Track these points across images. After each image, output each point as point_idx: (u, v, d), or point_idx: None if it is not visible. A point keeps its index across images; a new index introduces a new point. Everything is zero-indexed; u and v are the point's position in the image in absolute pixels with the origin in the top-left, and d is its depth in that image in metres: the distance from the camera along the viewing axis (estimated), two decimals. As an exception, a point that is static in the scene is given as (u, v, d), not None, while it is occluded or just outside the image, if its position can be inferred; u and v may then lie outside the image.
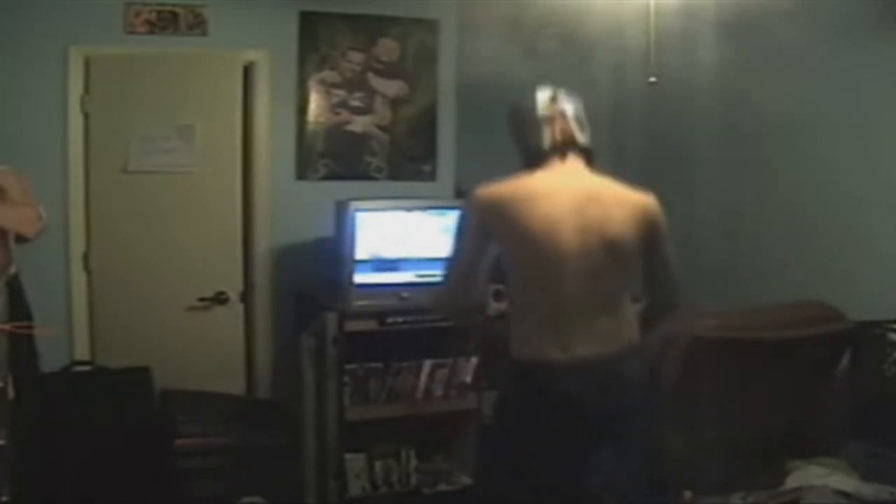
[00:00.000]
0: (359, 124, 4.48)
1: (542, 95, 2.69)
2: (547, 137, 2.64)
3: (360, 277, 3.97)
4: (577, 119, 2.69)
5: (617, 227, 2.56)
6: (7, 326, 3.22)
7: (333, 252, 4.04)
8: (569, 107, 2.68)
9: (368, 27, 4.46)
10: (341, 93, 4.43)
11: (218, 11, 4.17)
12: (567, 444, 2.53)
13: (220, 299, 4.15)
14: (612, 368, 2.56)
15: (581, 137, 2.67)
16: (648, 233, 2.62)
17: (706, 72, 4.83)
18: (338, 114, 4.44)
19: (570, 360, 2.53)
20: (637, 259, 2.64)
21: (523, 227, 2.55)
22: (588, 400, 2.52)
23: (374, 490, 4.13)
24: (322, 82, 4.40)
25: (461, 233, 2.68)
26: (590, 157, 2.68)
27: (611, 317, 2.59)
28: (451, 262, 2.70)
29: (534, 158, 2.66)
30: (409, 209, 4.10)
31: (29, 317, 3.52)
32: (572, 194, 2.57)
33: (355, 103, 4.46)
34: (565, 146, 2.64)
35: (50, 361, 3.75)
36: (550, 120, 2.65)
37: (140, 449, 3.72)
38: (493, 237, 2.61)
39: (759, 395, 3.59)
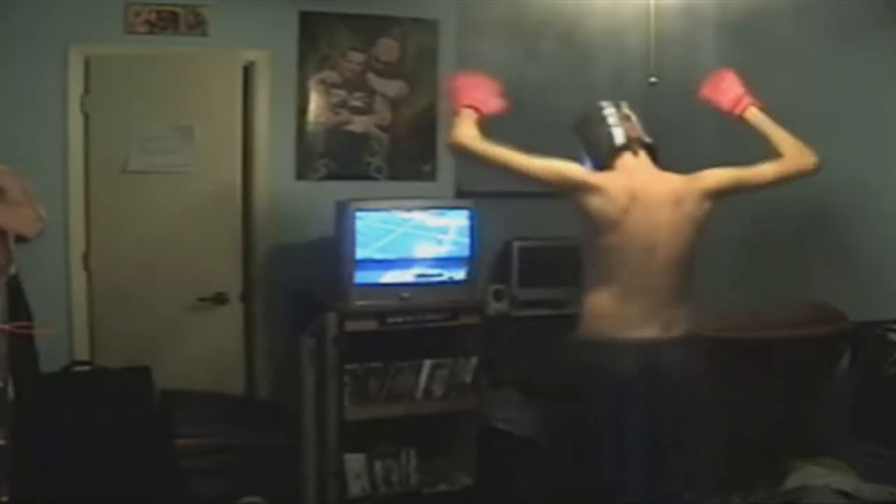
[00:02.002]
0: (359, 124, 4.48)
1: (608, 104, 3.11)
2: (620, 135, 3.02)
3: (360, 277, 3.97)
4: (639, 122, 3.10)
5: (691, 215, 2.93)
6: (7, 326, 3.22)
7: (333, 252, 4.04)
8: (631, 112, 3.11)
9: (368, 27, 4.46)
10: (341, 93, 4.43)
11: (218, 11, 4.17)
12: (628, 420, 2.82)
13: (220, 299, 4.15)
14: (675, 351, 2.86)
15: (645, 136, 3.07)
16: (721, 189, 3.03)
17: (706, 72, 4.83)
18: (338, 114, 4.44)
19: (638, 340, 2.82)
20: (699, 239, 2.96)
21: (618, 214, 2.86)
22: (651, 377, 2.82)
23: (374, 490, 4.13)
24: (322, 82, 4.40)
25: (552, 160, 2.97)
26: (655, 155, 3.06)
27: (683, 301, 2.93)
28: (522, 158, 3.02)
29: (609, 155, 3.01)
30: (409, 209, 4.10)
31: (29, 317, 3.52)
32: (654, 189, 2.93)
33: (355, 103, 4.46)
34: (637, 143, 3.03)
35: (50, 361, 3.75)
36: (620, 122, 3.06)
37: (140, 449, 3.71)
38: (585, 211, 2.91)
39: (759, 395, 3.60)
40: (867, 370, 3.79)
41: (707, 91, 3.25)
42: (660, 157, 3.12)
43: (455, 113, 3.09)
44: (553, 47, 4.77)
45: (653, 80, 4.25)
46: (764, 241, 4.51)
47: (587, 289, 2.99)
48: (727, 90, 3.22)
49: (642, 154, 3.03)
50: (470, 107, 3.08)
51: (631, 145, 3.02)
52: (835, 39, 4.18)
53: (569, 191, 2.94)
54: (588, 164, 3.08)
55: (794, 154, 3.09)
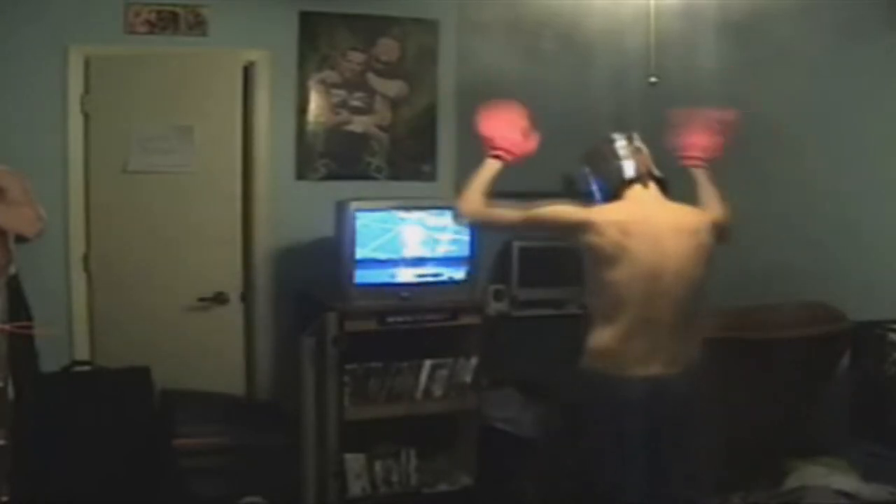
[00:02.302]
0: (359, 124, 4.48)
1: (619, 137, 3.08)
2: (631, 168, 2.99)
3: (360, 277, 3.97)
4: (648, 156, 3.06)
5: (701, 251, 2.89)
6: (7, 326, 3.22)
7: (333, 252, 4.04)
8: (642, 145, 3.07)
9: (368, 27, 4.46)
10: (341, 93, 4.43)
11: (218, 11, 4.17)
12: (629, 451, 2.79)
13: (220, 299, 4.15)
14: (679, 385, 2.82)
15: (655, 170, 3.04)
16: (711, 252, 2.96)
17: (706, 72, 4.83)
18: (338, 114, 4.44)
19: (644, 376, 2.78)
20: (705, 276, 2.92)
21: (626, 254, 2.80)
22: (655, 412, 2.78)
23: (374, 490, 4.13)
24: (322, 82, 4.40)
25: (556, 210, 2.92)
26: (665, 188, 3.03)
27: (688, 335, 2.87)
28: (526, 212, 2.95)
29: (619, 187, 2.98)
30: (409, 209, 4.10)
31: (29, 317, 3.52)
32: (663, 222, 2.89)
33: (355, 103, 4.46)
34: (647, 176, 3.00)
35: (50, 361, 3.75)
36: (632, 154, 3.02)
37: (140, 449, 3.72)
38: (587, 247, 2.86)
39: (760, 395, 3.60)
40: (867, 370, 3.80)
41: (682, 134, 3.20)
42: (657, 157, 3.10)
43: (487, 156, 3.06)
44: (553, 47, 4.77)
45: (653, 80, 4.24)
46: (764, 240, 4.51)
47: (591, 322, 2.91)
48: (696, 142, 3.20)
49: (652, 186, 3.00)
50: (500, 153, 3.03)
51: (641, 178, 2.99)
52: (835, 39, 4.18)
53: (567, 232, 2.91)
54: (596, 192, 3.06)
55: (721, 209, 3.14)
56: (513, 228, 3.05)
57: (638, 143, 3.07)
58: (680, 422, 2.82)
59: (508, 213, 2.97)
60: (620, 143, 3.05)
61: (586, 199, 3.07)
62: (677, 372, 2.81)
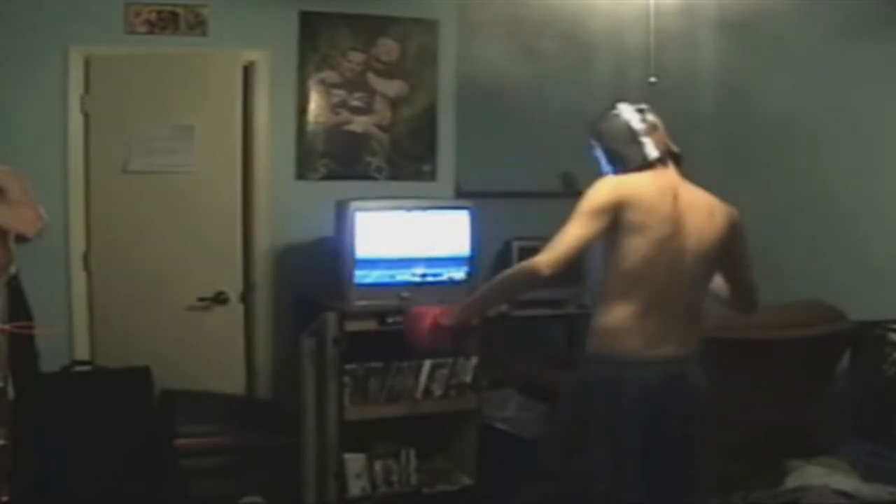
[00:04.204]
0: (359, 124, 4.48)
1: (630, 110, 2.86)
2: (652, 149, 2.80)
3: (360, 277, 3.97)
4: (664, 129, 2.88)
5: (717, 234, 2.76)
6: (7, 326, 3.22)
7: (333, 252, 4.04)
8: (656, 119, 2.88)
9: (368, 27, 4.46)
10: (341, 93, 4.43)
11: (218, 11, 4.17)
12: (635, 434, 2.68)
13: (220, 299, 4.15)
14: (687, 368, 2.74)
15: (674, 146, 2.87)
16: (735, 241, 2.82)
17: (706, 72, 4.84)
18: (338, 114, 4.44)
19: (656, 357, 2.67)
20: (717, 265, 2.81)
21: (649, 226, 2.67)
22: (662, 395, 2.68)
23: (374, 490, 4.13)
24: (322, 82, 4.40)
25: (589, 212, 2.70)
26: (680, 163, 2.87)
27: (697, 319, 2.78)
28: (573, 238, 2.68)
29: (639, 169, 2.79)
30: (409, 209, 4.10)
31: (29, 317, 3.52)
32: (684, 200, 2.75)
33: (355, 103, 4.46)
34: (667, 154, 2.83)
35: (50, 361, 3.75)
36: (649, 132, 2.82)
37: (140, 449, 3.72)
38: (616, 222, 2.68)
39: (759, 395, 3.60)
40: (867, 370, 3.80)
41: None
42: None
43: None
44: (553, 47, 4.78)
45: (653, 79, 4.24)
46: (764, 240, 4.51)
47: (603, 301, 2.75)
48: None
49: (671, 166, 2.83)
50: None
51: (663, 158, 2.81)
52: (835, 38, 4.18)
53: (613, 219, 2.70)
54: (608, 170, 2.89)
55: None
56: (583, 248, 2.72)
57: (651, 116, 2.87)
58: (693, 409, 2.74)
59: (568, 241, 2.69)
60: (636, 122, 2.83)
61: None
62: (688, 354, 2.73)
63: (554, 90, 4.56)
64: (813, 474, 3.57)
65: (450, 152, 4.63)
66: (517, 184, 4.65)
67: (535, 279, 2.69)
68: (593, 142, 2.91)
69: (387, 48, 4.50)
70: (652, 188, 2.73)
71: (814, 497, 3.43)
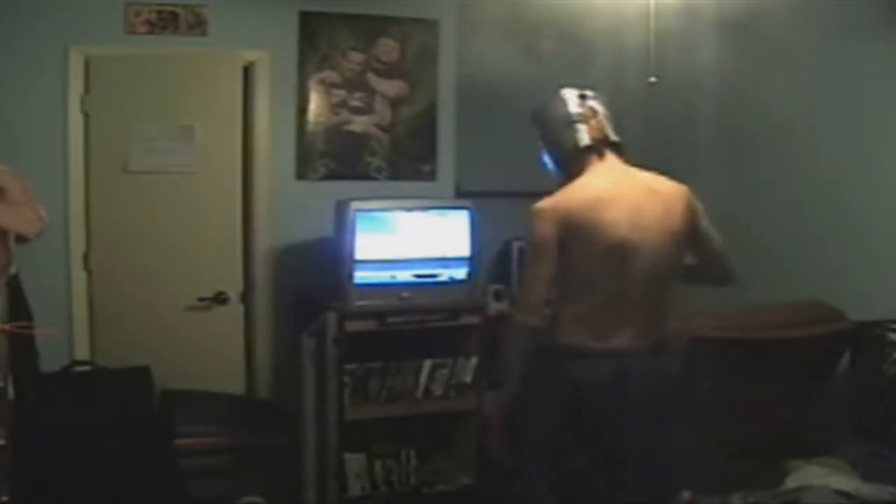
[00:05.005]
0: (359, 124, 4.48)
1: (571, 95, 2.77)
2: (585, 135, 2.70)
3: (360, 277, 3.97)
4: (606, 116, 2.77)
5: (674, 220, 2.68)
6: (7, 326, 3.22)
7: (333, 252, 4.04)
8: (598, 105, 2.77)
9: (368, 27, 4.46)
10: (341, 93, 4.43)
11: (218, 11, 4.17)
12: (594, 429, 2.64)
13: (220, 299, 4.15)
14: (641, 361, 2.66)
15: (613, 134, 2.76)
16: (694, 218, 2.73)
17: (706, 72, 4.84)
18: (338, 114, 4.44)
19: (606, 350, 2.62)
20: (685, 248, 2.74)
21: (597, 232, 2.61)
22: (610, 388, 2.63)
23: (374, 490, 4.13)
24: (322, 82, 4.40)
25: (539, 252, 2.67)
26: (621, 152, 2.77)
27: (660, 311, 2.70)
28: (535, 280, 2.67)
29: (572, 157, 2.73)
30: (409, 209, 4.10)
31: (29, 317, 3.52)
32: (632, 193, 2.66)
33: (355, 103, 4.46)
34: (602, 143, 2.72)
35: (50, 361, 3.75)
36: (585, 118, 2.72)
37: (140, 449, 3.72)
38: (566, 245, 2.64)
39: (759, 395, 3.60)
40: (867, 370, 3.80)
41: None
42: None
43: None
44: (553, 47, 4.77)
45: (653, 79, 4.24)
46: (764, 240, 4.51)
47: (558, 300, 2.69)
48: None
49: (609, 155, 2.73)
50: None
51: (597, 147, 2.71)
52: (834, 38, 4.18)
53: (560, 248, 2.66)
54: (547, 162, 2.83)
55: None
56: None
57: (593, 102, 2.76)
58: (647, 400, 2.66)
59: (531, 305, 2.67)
60: (573, 104, 2.74)
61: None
62: (644, 347, 2.65)
63: (554, 90, 4.55)
64: (813, 474, 3.57)
65: (450, 152, 4.63)
66: (517, 184, 4.62)
67: (531, 333, 2.67)
68: (536, 128, 2.85)
69: (387, 48, 4.50)
70: (591, 196, 2.65)
71: (814, 497, 3.43)
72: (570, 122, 2.72)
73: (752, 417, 3.55)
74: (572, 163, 2.74)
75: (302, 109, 4.37)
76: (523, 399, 2.73)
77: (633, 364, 2.65)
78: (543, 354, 2.68)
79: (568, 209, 2.65)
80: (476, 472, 4.18)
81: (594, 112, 2.74)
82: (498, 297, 4.54)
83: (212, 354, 4.13)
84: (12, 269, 3.44)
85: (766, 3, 4.45)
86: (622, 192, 2.66)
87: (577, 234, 2.62)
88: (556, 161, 2.80)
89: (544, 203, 2.69)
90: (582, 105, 2.74)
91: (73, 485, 3.50)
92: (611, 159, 2.74)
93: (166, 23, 4.11)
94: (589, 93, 2.79)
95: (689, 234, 2.73)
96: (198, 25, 4.16)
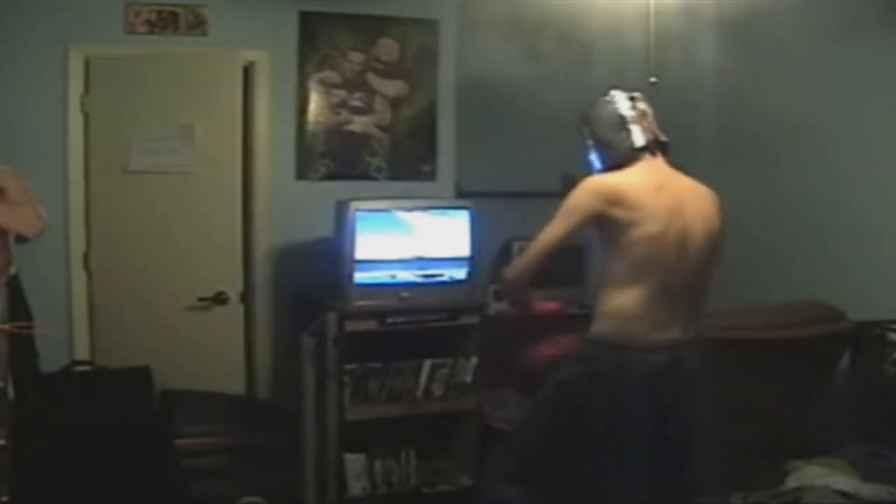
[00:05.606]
0: (359, 124, 4.48)
1: (622, 97, 2.87)
2: (640, 136, 2.79)
3: (360, 277, 3.97)
4: (654, 118, 2.88)
5: (713, 220, 2.79)
6: (7, 326, 3.22)
7: (333, 252, 4.04)
8: (646, 107, 2.88)
9: (368, 27, 4.46)
10: (341, 93, 4.43)
11: (218, 11, 4.17)
12: (640, 425, 2.68)
13: (220, 299, 4.15)
14: (687, 352, 2.73)
15: (662, 134, 2.86)
16: (723, 226, 2.84)
17: (706, 72, 4.84)
18: (338, 114, 4.44)
19: (661, 342, 2.67)
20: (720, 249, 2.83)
21: (644, 212, 2.67)
22: (664, 380, 2.68)
23: (374, 490, 4.13)
24: (322, 82, 4.40)
25: (569, 214, 2.74)
26: (667, 152, 2.87)
27: (701, 304, 2.80)
28: (547, 239, 2.74)
29: (625, 157, 2.80)
30: (409, 209, 4.10)
31: (29, 317, 3.52)
32: (679, 188, 2.76)
33: (355, 103, 4.46)
34: (655, 143, 2.82)
35: (50, 361, 3.75)
36: (638, 119, 2.83)
37: (140, 449, 3.72)
38: (606, 220, 2.69)
39: (759, 395, 3.59)
40: (867, 370, 3.79)
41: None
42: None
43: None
44: (553, 47, 4.77)
45: (653, 80, 4.24)
46: (764, 240, 4.51)
47: (607, 288, 2.74)
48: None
49: (659, 155, 2.83)
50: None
51: (650, 147, 2.80)
52: (834, 38, 4.18)
53: (594, 220, 2.72)
54: (595, 161, 2.89)
55: None
56: (552, 250, 2.75)
57: (642, 104, 2.87)
58: (700, 389, 2.73)
59: (538, 246, 2.76)
60: (624, 106, 2.84)
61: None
62: (691, 339, 2.73)
63: (554, 90, 4.55)
64: (813, 474, 3.57)
65: (450, 152, 4.63)
66: (517, 184, 4.64)
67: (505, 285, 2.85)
68: (583, 129, 2.91)
69: (387, 48, 4.50)
70: (639, 182, 2.73)
71: (814, 497, 3.42)
72: (624, 123, 2.81)
73: (752, 417, 3.54)
74: (624, 163, 2.81)
75: (302, 109, 4.37)
76: (575, 387, 2.76)
77: (686, 356, 2.72)
78: (598, 345, 2.74)
79: (615, 185, 2.72)
80: (476, 472, 4.18)
81: (645, 114, 2.85)
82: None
83: (212, 354, 4.13)
84: (12, 269, 3.44)
85: (766, 3, 4.45)
86: (671, 185, 2.75)
87: (622, 211, 2.67)
88: (606, 161, 2.86)
89: (594, 177, 2.79)
90: (633, 107, 2.84)
91: (73, 485, 3.50)
92: (660, 159, 2.83)
93: (166, 23, 4.11)
94: (637, 95, 2.89)
95: (722, 238, 2.83)
96: (198, 25, 4.16)
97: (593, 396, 2.71)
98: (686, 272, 2.71)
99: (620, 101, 2.85)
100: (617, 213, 2.68)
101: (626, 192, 2.69)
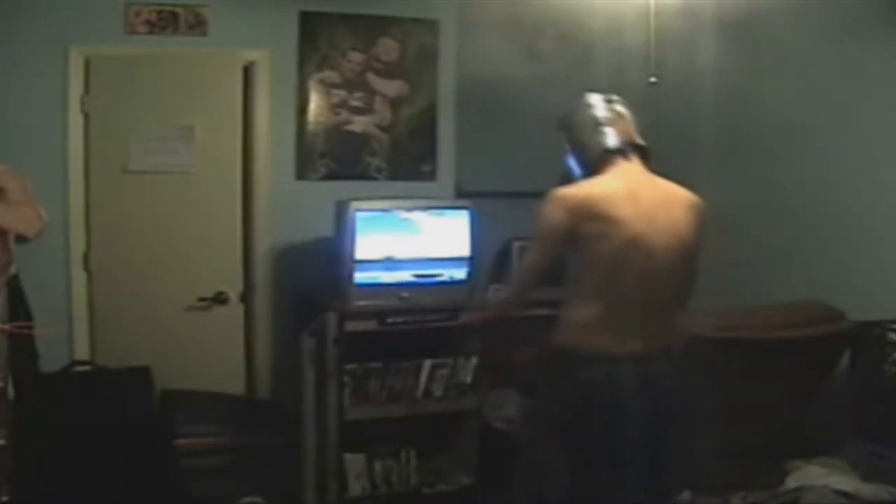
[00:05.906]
0: (359, 124, 4.48)
1: (598, 100, 2.81)
2: (612, 138, 2.73)
3: (360, 277, 3.97)
4: (632, 120, 2.82)
5: (687, 228, 2.69)
6: (7, 326, 3.22)
7: (333, 252, 4.04)
8: (623, 109, 2.82)
9: (368, 27, 4.46)
10: (341, 93, 4.43)
11: (218, 11, 4.17)
12: (613, 432, 2.63)
13: (220, 299, 4.15)
14: (653, 364, 2.66)
15: (639, 138, 2.79)
16: (700, 234, 2.75)
17: (706, 72, 4.83)
18: (338, 114, 4.44)
19: (623, 353, 2.61)
20: (696, 259, 2.75)
21: (613, 227, 2.60)
22: (627, 391, 2.63)
23: (374, 490, 4.13)
24: (322, 82, 4.40)
25: (544, 236, 2.70)
26: (646, 156, 2.79)
27: (672, 313, 2.72)
28: (529, 267, 2.74)
29: (599, 160, 2.74)
30: (409, 209, 4.10)
31: (29, 317, 3.53)
32: (650, 195, 2.68)
33: (355, 103, 4.46)
34: (629, 145, 2.75)
35: (50, 361, 3.75)
36: (613, 121, 2.76)
37: (140, 449, 3.72)
38: (577, 235, 2.63)
39: (759, 395, 3.59)
40: (867, 370, 3.79)
41: None
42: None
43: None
44: (553, 47, 4.77)
45: (653, 80, 4.24)
46: (764, 240, 4.51)
47: (572, 300, 2.69)
48: None
49: (635, 159, 2.75)
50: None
51: (624, 149, 2.73)
52: (835, 38, 4.18)
53: (569, 238, 2.65)
54: (573, 166, 2.83)
55: None
56: (538, 281, 2.73)
57: (619, 106, 2.80)
58: (667, 400, 2.67)
59: (518, 285, 2.82)
60: (600, 108, 2.78)
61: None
62: (657, 350, 2.66)
63: (554, 90, 4.54)
64: (813, 474, 3.56)
65: (450, 152, 4.63)
66: (517, 184, 4.64)
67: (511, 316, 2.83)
68: (562, 133, 2.87)
69: (387, 48, 4.50)
70: (610, 191, 2.65)
71: (814, 497, 3.42)
72: (598, 125, 2.76)
73: (752, 417, 3.54)
74: (599, 165, 2.75)
75: (302, 109, 4.37)
76: (540, 403, 2.76)
77: (650, 367, 2.65)
78: (560, 358, 2.69)
79: (585, 198, 2.65)
80: (476, 472, 4.18)
81: (620, 115, 2.79)
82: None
83: (212, 354, 4.13)
84: (12, 269, 3.45)
85: (766, 3, 4.45)
86: (641, 193, 2.67)
87: (592, 225, 2.61)
88: (583, 164, 2.80)
89: (561, 190, 2.70)
90: (609, 109, 2.79)
91: (73, 485, 3.50)
92: (635, 162, 2.75)
93: (166, 23, 4.11)
94: (614, 97, 2.84)
95: (696, 247, 2.74)
96: (198, 25, 4.16)
97: (562, 414, 2.69)
98: (653, 283, 2.63)
99: (596, 103, 2.80)
100: (587, 227, 2.61)
101: (596, 204, 2.62)
